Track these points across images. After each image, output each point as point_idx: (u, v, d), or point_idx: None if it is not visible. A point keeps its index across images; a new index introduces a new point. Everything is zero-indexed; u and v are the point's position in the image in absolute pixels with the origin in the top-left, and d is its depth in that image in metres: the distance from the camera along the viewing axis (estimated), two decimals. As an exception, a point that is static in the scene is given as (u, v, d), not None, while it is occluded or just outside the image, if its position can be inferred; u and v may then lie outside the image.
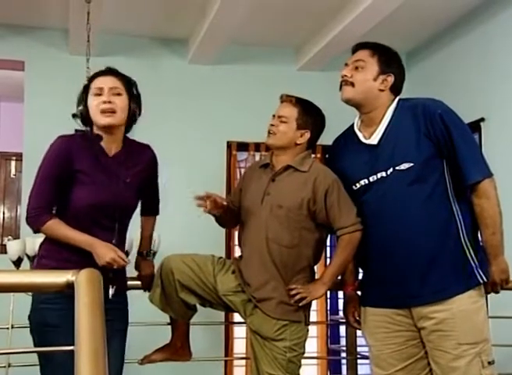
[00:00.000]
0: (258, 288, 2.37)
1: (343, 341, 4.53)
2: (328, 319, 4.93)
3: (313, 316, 2.94)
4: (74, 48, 4.49)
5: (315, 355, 4.80)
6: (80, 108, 2.27)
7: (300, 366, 2.40)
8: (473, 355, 2.12)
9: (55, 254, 2.20)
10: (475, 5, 4.27)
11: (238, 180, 3.69)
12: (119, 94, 2.24)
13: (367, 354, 2.56)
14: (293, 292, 2.32)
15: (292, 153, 2.44)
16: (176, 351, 2.56)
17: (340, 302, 3.95)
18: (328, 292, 3.53)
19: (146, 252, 2.52)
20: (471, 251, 2.18)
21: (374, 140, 2.28)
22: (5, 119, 6.74)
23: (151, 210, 2.55)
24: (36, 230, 2.24)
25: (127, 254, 3.13)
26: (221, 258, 2.52)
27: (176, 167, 4.59)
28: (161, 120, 4.69)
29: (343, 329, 4.15)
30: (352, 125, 2.40)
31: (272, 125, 2.46)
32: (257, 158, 4.73)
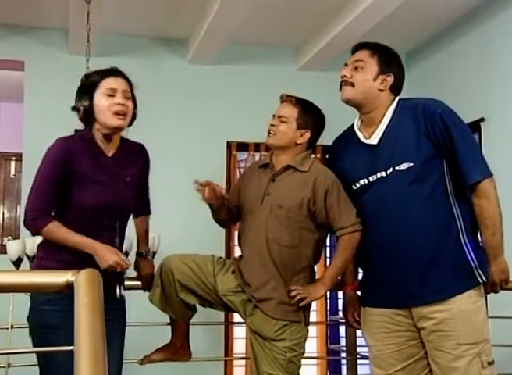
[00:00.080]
0: (258, 288, 2.37)
1: (342, 341, 4.52)
2: (328, 319, 4.93)
3: (313, 317, 2.95)
4: (74, 48, 4.49)
5: (315, 355, 4.80)
6: (85, 103, 2.24)
7: (300, 366, 2.40)
8: (473, 356, 2.12)
9: (54, 255, 2.20)
10: (475, 5, 4.27)
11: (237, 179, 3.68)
12: (128, 98, 2.26)
13: (367, 354, 2.56)
14: (293, 293, 2.32)
15: (292, 153, 2.44)
16: (175, 351, 2.55)
17: (340, 302, 3.95)
18: (328, 292, 3.52)
19: (145, 252, 2.52)
20: (471, 251, 2.17)
21: (374, 140, 2.28)
22: (5, 120, 6.74)
23: (145, 210, 2.55)
24: (35, 233, 2.24)
25: (127, 254, 3.13)
26: (221, 258, 2.52)
27: (176, 167, 4.59)
28: (161, 120, 4.70)
29: (342, 329, 4.15)
30: (352, 125, 2.40)
31: (272, 125, 2.46)
32: (257, 158, 4.73)
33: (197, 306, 2.49)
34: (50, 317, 2.11)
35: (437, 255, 2.17)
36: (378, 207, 2.26)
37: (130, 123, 2.32)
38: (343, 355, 3.77)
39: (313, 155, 2.56)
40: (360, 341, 2.83)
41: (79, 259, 2.10)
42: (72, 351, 1.25)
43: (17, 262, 3.45)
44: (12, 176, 6.81)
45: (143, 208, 2.53)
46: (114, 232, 2.29)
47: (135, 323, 2.53)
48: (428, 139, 2.20)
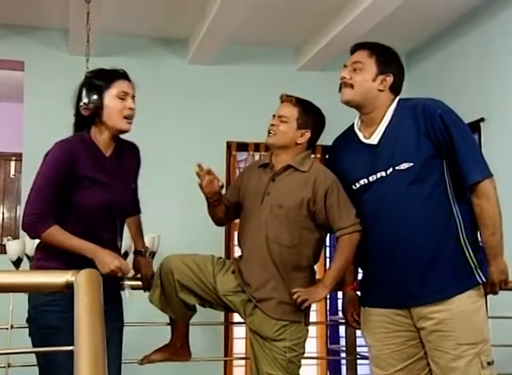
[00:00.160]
0: (258, 288, 2.36)
1: (342, 342, 4.52)
2: (328, 319, 4.92)
3: (313, 317, 2.95)
4: (74, 48, 4.48)
5: (315, 355, 4.79)
6: (97, 102, 2.21)
7: (299, 366, 2.40)
8: (472, 356, 2.12)
9: (53, 255, 2.19)
10: (475, 5, 4.26)
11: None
12: (134, 102, 2.28)
13: (366, 354, 2.56)
14: (295, 296, 2.31)
15: (292, 153, 2.44)
16: (175, 351, 2.55)
17: (340, 302, 3.94)
18: (328, 292, 3.52)
19: (144, 250, 2.52)
20: (471, 251, 2.17)
21: (374, 140, 2.28)
22: (5, 120, 6.73)
23: (137, 209, 2.55)
24: (34, 236, 2.23)
25: (127, 255, 3.13)
26: (221, 258, 2.52)
27: (176, 167, 4.59)
28: (161, 120, 4.70)
29: (342, 329, 4.14)
30: (352, 125, 2.40)
31: (272, 125, 2.46)
32: (257, 158, 4.73)
33: (197, 306, 2.49)
34: (50, 318, 2.11)
35: (437, 255, 2.17)
36: (378, 207, 2.26)
37: None
38: (343, 355, 3.76)
39: (313, 155, 2.56)
40: (360, 341, 2.83)
41: (78, 259, 2.10)
42: (72, 352, 1.25)
43: (17, 262, 3.46)
44: (11, 176, 6.81)
45: (135, 208, 2.53)
46: (114, 231, 2.30)
47: (135, 323, 2.53)
48: (428, 139, 2.19)
